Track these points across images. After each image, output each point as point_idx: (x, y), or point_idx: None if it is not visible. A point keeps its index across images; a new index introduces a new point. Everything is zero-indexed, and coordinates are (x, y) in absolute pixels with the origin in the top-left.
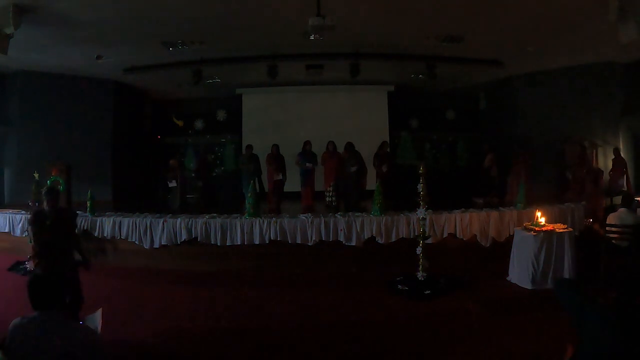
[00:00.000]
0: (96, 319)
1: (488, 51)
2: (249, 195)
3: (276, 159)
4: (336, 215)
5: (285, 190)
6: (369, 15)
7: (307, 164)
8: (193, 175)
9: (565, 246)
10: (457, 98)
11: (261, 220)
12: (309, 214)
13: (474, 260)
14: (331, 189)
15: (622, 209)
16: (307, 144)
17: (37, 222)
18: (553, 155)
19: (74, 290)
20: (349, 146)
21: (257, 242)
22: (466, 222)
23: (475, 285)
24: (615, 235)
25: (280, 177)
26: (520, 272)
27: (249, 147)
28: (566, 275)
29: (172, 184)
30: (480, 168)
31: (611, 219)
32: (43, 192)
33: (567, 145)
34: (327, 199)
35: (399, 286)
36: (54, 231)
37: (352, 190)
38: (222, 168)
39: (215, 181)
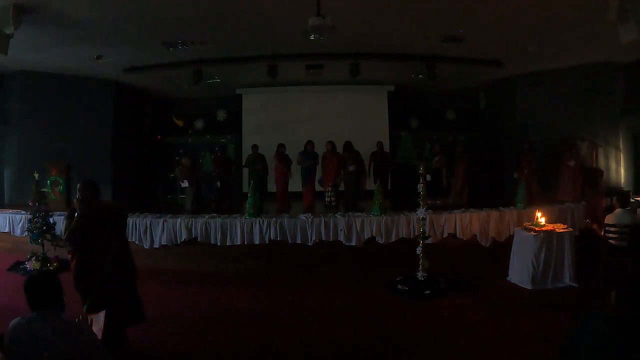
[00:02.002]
0: (99, 321)
1: (488, 51)
2: (250, 195)
3: (285, 158)
4: (336, 215)
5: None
6: (369, 15)
7: (311, 161)
8: (214, 174)
9: (565, 246)
10: (457, 98)
11: (261, 220)
12: (309, 214)
13: (474, 260)
14: (330, 189)
15: (618, 209)
16: (308, 143)
17: (71, 218)
18: (553, 156)
19: (126, 299)
20: (348, 145)
21: (257, 242)
22: (466, 222)
23: (475, 285)
24: (613, 236)
25: (291, 176)
26: (520, 272)
27: (255, 147)
28: (566, 274)
29: (185, 184)
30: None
31: (609, 219)
32: (79, 186)
33: (567, 145)
34: (326, 199)
35: (399, 286)
36: (88, 229)
37: (352, 189)
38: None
39: (233, 181)
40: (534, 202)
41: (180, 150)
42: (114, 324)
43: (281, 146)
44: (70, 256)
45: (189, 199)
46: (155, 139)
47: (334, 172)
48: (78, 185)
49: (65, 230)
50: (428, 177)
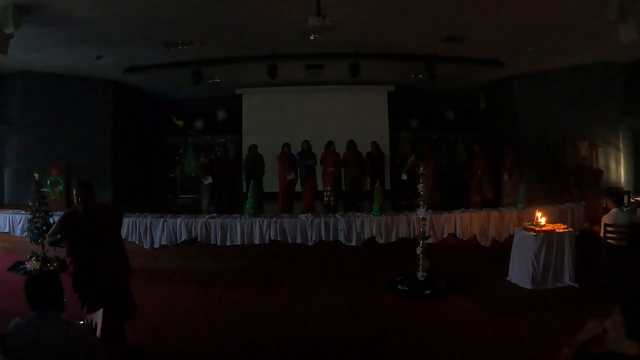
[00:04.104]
0: (97, 320)
1: (488, 51)
2: (250, 195)
3: (289, 158)
4: (336, 215)
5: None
6: (369, 15)
7: (309, 162)
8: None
9: (565, 246)
10: (457, 98)
11: (261, 220)
12: (309, 214)
13: (474, 260)
14: (329, 188)
15: (614, 209)
16: (304, 143)
17: (67, 224)
18: (553, 155)
19: (120, 300)
20: (352, 144)
21: (257, 242)
22: (466, 222)
23: (475, 285)
24: (612, 236)
25: (294, 176)
26: (520, 272)
27: (254, 147)
28: (566, 274)
29: (208, 180)
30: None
31: (605, 219)
32: (74, 188)
33: (568, 145)
34: (325, 198)
35: (399, 286)
36: (87, 233)
37: (352, 189)
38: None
39: (234, 180)
40: (482, 203)
41: (181, 150)
42: (112, 323)
43: (286, 146)
44: (68, 258)
45: (207, 197)
46: (155, 139)
47: (333, 172)
48: (75, 186)
49: (51, 234)
50: (404, 177)
